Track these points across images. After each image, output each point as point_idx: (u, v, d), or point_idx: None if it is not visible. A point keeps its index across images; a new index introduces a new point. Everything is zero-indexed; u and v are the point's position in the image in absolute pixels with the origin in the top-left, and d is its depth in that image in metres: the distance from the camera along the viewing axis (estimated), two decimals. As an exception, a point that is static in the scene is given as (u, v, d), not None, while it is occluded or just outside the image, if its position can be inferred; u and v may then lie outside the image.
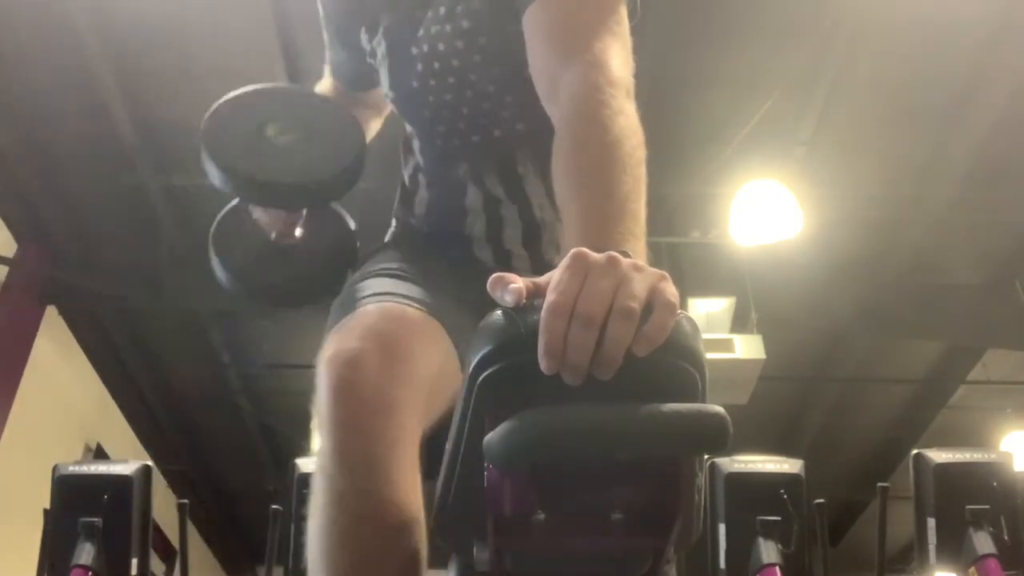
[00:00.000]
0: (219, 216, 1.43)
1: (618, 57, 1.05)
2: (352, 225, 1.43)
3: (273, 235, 1.38)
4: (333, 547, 0.92)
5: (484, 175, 1.33)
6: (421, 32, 1.30)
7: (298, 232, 1.38)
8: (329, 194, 1.34)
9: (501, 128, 1.31)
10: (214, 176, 1.26)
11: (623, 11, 1.13)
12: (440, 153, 1.37)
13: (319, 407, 1.00)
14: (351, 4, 1.41)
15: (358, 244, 1.42)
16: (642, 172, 0.92)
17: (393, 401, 0.98)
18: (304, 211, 1.39)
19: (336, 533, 0.92)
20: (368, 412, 0.97)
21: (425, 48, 1.30)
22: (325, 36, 1.51)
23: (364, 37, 1.40)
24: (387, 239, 1.44)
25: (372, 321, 1.08)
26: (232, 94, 1.33)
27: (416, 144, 1.41)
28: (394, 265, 1.26)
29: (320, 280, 1.37)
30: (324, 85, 1.59)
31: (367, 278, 1.23)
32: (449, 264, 1.29)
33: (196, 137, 1.26)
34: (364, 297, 1.16)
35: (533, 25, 1.13)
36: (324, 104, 1.44)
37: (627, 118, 0.96)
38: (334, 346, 1.03)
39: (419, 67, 1.31)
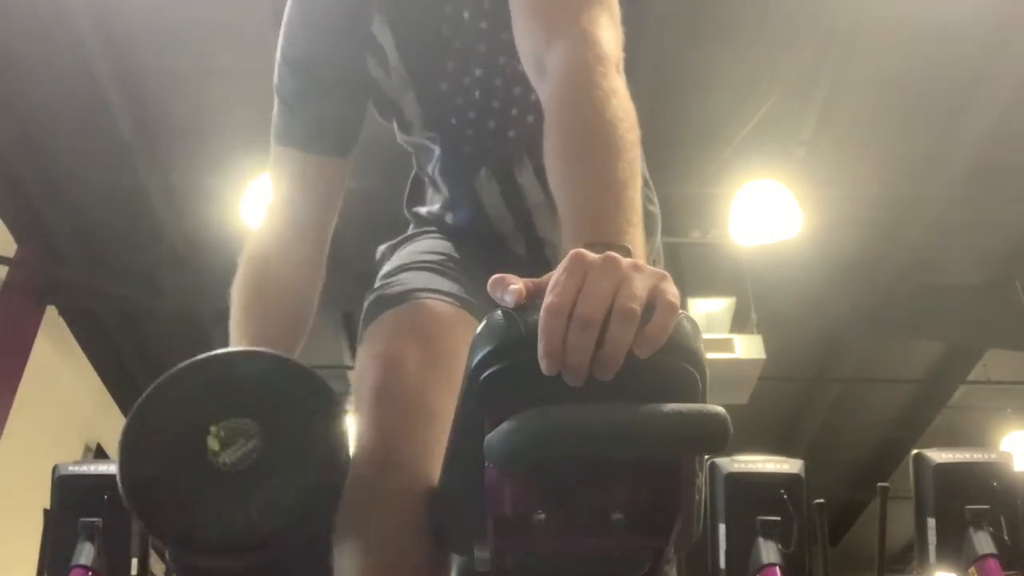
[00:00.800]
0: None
1: (606, 29, 1.00)
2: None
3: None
4: (367, 548, 0.92)
5: (515, 168, 1.29)
6: (445, 30, 1.25)
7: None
8: (300, 539, 0.89)
9: (535, 112, 1.24)
10: (143, 530, 0.87)
11: None
12: (467, 157, 1.32)
13: (358, 405, 0.99)
14: (348, 34, 1.28)
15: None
16: (637, 154, 0.89)
17: (433, 405, 0.97)
18: None
19: (369, 533, 0.92)
20: (407, 415, 0.97)
21: (456, 44, 1.24)
22: (301, 95, 1.30)
23: (372, 62, 1.30)
24: (417, 229, 1.40)
25: (414, 321, 1.07)
26: (157, 384, 0.92)
27: (438, 152, 1.35)
28: (431, 256, 1.24)
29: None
30: (276, 204, 1.31)
31: (406, 270, 1.20)
32: (482, 258, 1.25)
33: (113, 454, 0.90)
34: (405, 291, 1.13)
35: (518, 2, 1.09)
36: (284, 373, 0.93)
37: (619, 98, 0.92)
38: (376, 345, 1.03)
39: (449, 65, 1.25)
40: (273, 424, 0.87)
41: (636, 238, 0.80)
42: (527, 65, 1.06)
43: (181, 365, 0.93)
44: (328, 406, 0.91)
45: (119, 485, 0.86)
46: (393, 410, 0.97)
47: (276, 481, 0.86)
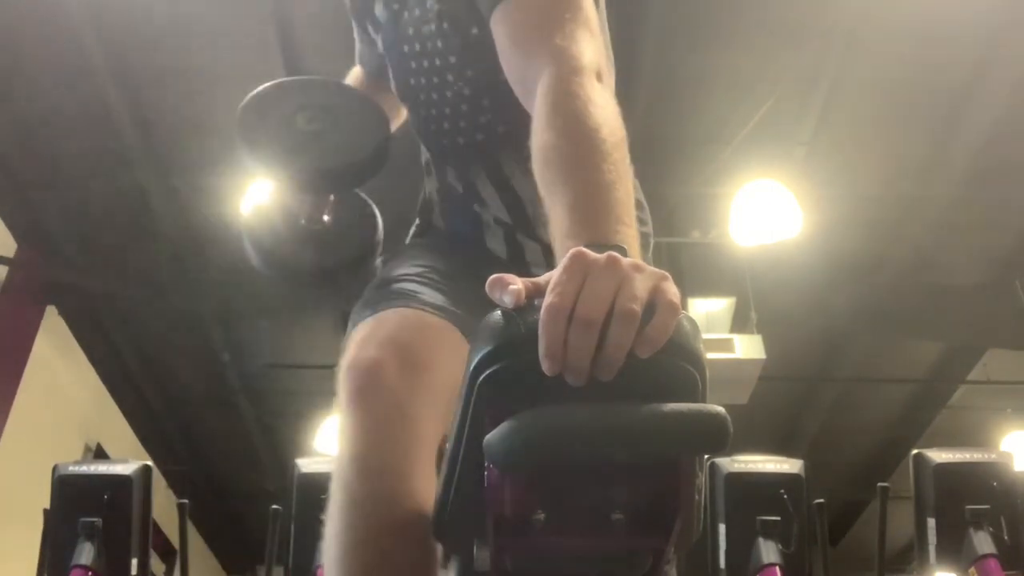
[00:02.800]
0: (251, 204, 1.51)
1: (582, 43, 1.03)
2: (377, 213, 1.49)
3: (303, 220, 1.41)
4: (349, 551, 0.94)
5: (474, 177, 1.33)
6: (411, 30, 1.30)
7: (326, 218, 1.43)
8: (355, 178, 1.38)
9: (482, 132, 1.31)
10: (250, 164, 1.34)
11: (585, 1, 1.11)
12: (437, 152, 1.38)
13: (340, 410, 1.03)
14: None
15: (381, 232, 1.48)
16: (623, 155, 0.89)
17: (411, 410, 0.99)
18: (332, 197, 1.43)
19: (352, 538, 0.94)
20: (386, 421, 0.99)
21: (416, 47, 1.30)
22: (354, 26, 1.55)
23: (372, 30, 1.42)
24: (409, 239, 1.45)
25: (392, 329, 1.10)
26: (264, 85, 1.41)
27: (420, 141, 1.42)
28: (415, 268, 1.27)
29: (347, 263, 1.43)
30: (353, 75, 1.62)
31: (390, 282, 1.24)
32: (466, 263, 1.29)
33: (233, 126, 1.34)
34: (386, 301, 1.17)
35: (499, 30, 1.13)
36: (350, 94, 1.49)
37: (598, 106, 0.94)
38: (354, 353, 1.05)
39: (412, 64, 1.32)
40: (338, 113, 1.37)
41: (629, 237, 0.80)
42: (516, 90, 1.09)
43: (286, 78, 1.51)
44: (374, 109, 1.42)
45: (239, 141, 1.34)
46: (371, 416, 1.00)
47: (338, 140, 1.35)
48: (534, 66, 1.01)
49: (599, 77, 0.99)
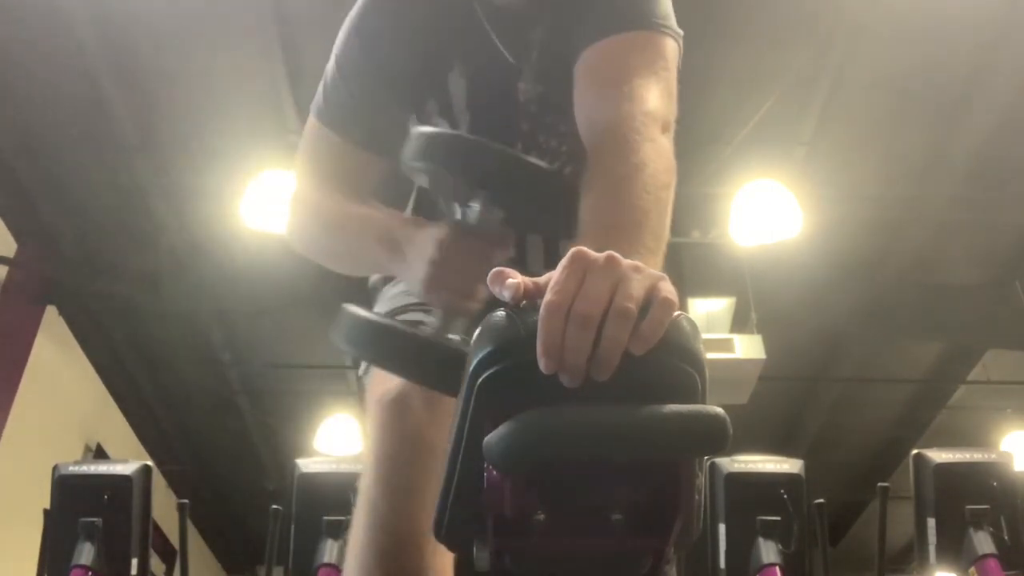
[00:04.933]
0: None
1: (655, 92, 1.08)
2: None
3: (448, 333, 1.11)
4: (371, 564, 1.00)
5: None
6: (521, 84, 1.30)
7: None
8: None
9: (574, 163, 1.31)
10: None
11: (670, 55, 1.19)
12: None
13: (367, 440, 1.11)
14: (418, 68, 1.27)
15: None
16: (667, 196, 0.94)
17: (434, 439, 1.03)
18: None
19: (376, 551, 1.00)
20: (410, 448, 1.06)
21: (514, 96, 1.29)
22: (355, 82, 1.27)
23: (432, 104, 1.29)
24: None
25: None
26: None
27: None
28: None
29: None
30: (303, 191, 1.30)
31: (406, 310, 1.25)
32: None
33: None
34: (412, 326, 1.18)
35: (583, 67, 1.17)
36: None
37: (656, 145, 0.98)
38: (381, 387, 1.11)
39: (513, 114, 1.30)
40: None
41: (650, 263, 0.81)
42: (580, 123, 1.12)
43: None
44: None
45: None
46: (397, 444, 1.06)
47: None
48: (605, 101, 1.06)
49: (665, 129, 1.05)
